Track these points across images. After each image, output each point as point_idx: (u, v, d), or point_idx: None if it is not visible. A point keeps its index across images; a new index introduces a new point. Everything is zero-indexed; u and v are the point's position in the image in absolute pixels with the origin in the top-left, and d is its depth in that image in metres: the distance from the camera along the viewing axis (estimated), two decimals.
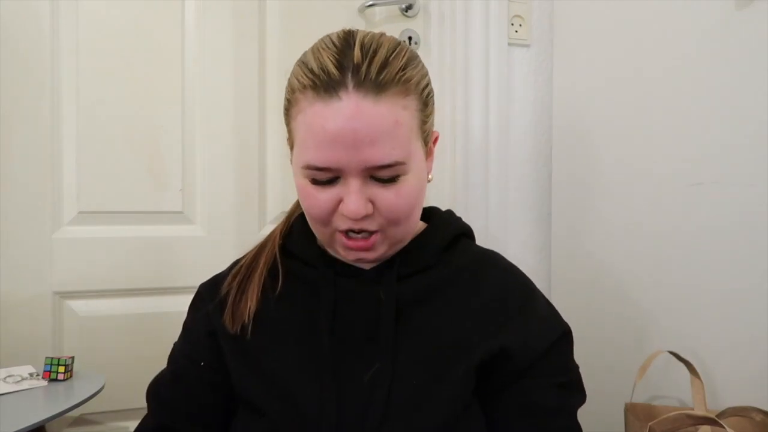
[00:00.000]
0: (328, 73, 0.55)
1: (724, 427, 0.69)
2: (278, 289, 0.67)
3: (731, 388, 0.90)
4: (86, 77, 1.12)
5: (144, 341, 1.13)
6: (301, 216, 0.70)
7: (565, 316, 0.67)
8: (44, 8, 1.09)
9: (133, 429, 0.69)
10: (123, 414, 1.13)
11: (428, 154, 0.66)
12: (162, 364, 0.72)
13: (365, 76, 0.55)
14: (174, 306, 0.79)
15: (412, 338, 0.63)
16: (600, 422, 1.08)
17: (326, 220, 0.60)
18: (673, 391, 0.99)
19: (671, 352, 0.93)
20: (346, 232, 0.60)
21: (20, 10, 1.08)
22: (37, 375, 0.95)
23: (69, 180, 1.11)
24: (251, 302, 0.65)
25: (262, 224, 1.22)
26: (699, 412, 0.83)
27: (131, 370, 1.11)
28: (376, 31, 0.63)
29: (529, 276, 0.71)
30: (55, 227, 1.11)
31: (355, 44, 0.57)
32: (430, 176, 0.66)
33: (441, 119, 1.28)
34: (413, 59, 0.60)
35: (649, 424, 0.81)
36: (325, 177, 0.58)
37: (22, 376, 0.94)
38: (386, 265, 0.66)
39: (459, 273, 0.66)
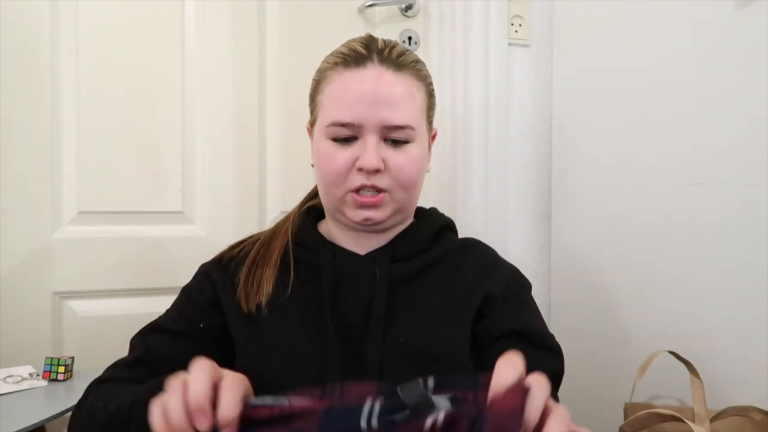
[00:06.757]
0: (356, 51, 0.68)
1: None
2: (291, 275, 0.70)
3: (731, 387, 0.90)
4: (86, 77, 1.12)
5: None
6: (302, 212, 0.78)
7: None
8: (44, 8, 1.09)
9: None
10: None
11: (429, 145, 0.75)
12: None
13: (387, 56, 0.68)
14: None
15: (404, 308, 0.67)
16: (600, 422, 1.08)
17: (342, 177, 0.66)
18: (673, 391, 0.99)
19: (671, 352, 0.93)
20: (358, 191, 0.66)
21: (20, 10, 1.08)
22: (37, 375, 0.95)
23: (69, 180, 1.11)
24: (267, 285, 0.69)
25: (262, 224, 1.22)
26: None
27: None
28: (376, 30, 0.69)
29: (528, 276, 0.75)
30: (55, 227, 1.11)
31: (377, 39, 0.71)
32: (428, 167, 0.75)
33: (441, 119, 1.28)
34: (422, 61, 0.73)
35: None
36: (346, 134, 0.66)
37: (22, 376, 0.94)
38: (381, 249, 0.72)
39: (445, 256, 0.73)
